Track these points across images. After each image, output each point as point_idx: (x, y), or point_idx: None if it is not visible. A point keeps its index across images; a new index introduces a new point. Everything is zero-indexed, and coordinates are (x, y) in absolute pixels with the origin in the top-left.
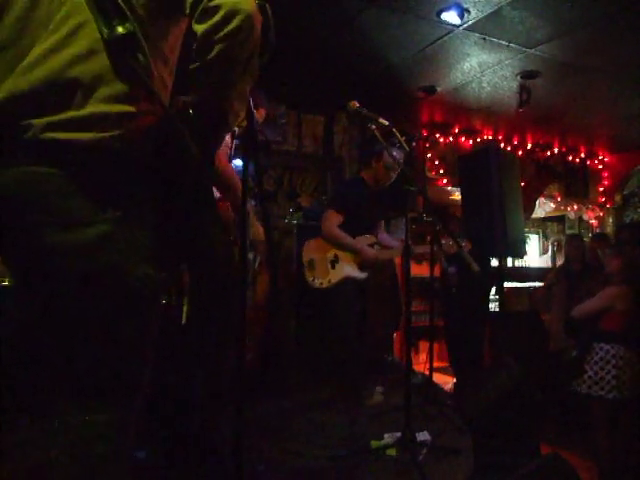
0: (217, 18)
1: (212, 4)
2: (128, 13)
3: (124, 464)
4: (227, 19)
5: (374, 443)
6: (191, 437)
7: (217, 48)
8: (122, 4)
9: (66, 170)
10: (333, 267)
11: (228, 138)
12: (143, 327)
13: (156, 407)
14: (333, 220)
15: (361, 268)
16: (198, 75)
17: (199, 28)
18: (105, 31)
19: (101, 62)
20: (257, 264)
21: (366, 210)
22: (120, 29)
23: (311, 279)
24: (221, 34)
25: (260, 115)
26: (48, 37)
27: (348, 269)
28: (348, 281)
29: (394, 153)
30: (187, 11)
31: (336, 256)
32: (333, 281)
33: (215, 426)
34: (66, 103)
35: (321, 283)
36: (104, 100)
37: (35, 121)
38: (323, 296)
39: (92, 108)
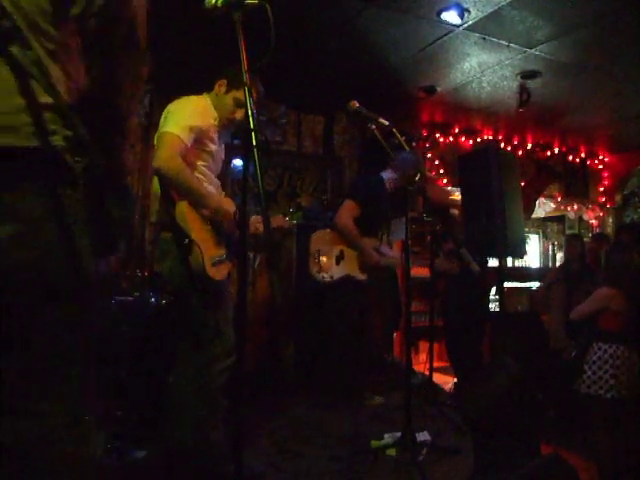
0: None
1: None
2: (11, 9)
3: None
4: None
5: (374, 443)
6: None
7: (89, 28)
8: (3, 1)
9: None
10: (337, 263)
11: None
12: (69, 323)
13: (156, 407)
14: (351, 212)
15: (362, 270)
16: (82, 59)
17: (74, 12)
18: None
19: None
20: (257, 263)
21: (380, 212)
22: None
23: (315, 270)
24: (90, 11)
25: (240, 92)
26: None
27: (350, 268)
28: (349, 279)
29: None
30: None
31: (342, 252)
32: (335, 277)
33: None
34: None
35: (323, 277)
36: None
37: None
38: (323, 290)
39: None
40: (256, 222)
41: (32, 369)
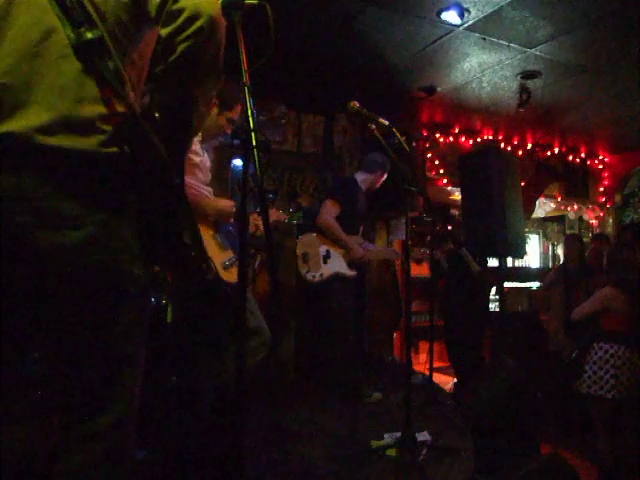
0: (180, 20)
1: (175, 7)
2: (97, 20)
3: (125, 464)
4: (190, 21)
5: (374, 443)
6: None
7: (180, 49)
8: (91, 11)
9: (55, 175)
10: (325, 262)
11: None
12: (135, 325)
13: (158, 407)
14: (331, 210)
15: (350, 266)
16: (162, 77)
17: (164, 31)
18: (72, 37)
19: (71, 66)
20: (257, 263)
21: (357, 210)
22: (89, 35)
23: (305, 271)
24: (184, 35)
25: (236, 112)
26: (16, 39)
27: (338, 265)
28: (338, 277)
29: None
30: (152, 15)
31: (328, 252)
32: (325, 276)
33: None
34: (42, 106)
35: (313, 276)
36: (78, 102)
37: (18, 125)
38: (315, 290)
39: (67, 111)
40: (255, 220)
41: (98, 370)
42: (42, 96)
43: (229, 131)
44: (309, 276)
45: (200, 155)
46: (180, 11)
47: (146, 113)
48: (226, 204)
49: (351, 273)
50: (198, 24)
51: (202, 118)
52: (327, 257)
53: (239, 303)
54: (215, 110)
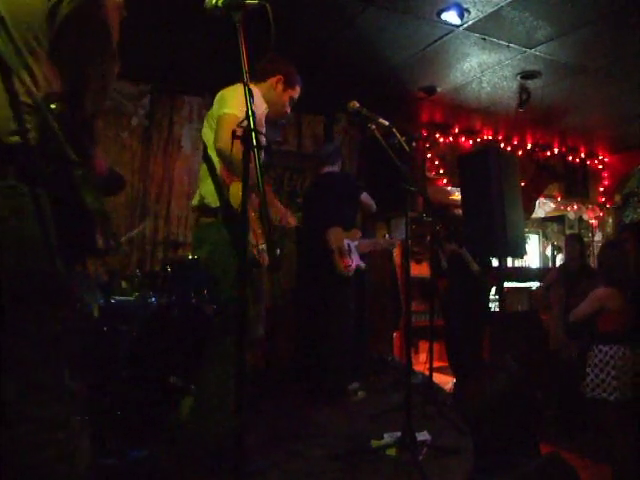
0: None
1: None
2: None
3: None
4: None
5: (374, 443)
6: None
7: (64, 11)
8: None
9: None
10: (349, 256)
11: None
12: (44, 329)
13: (156, 407)
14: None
15: (362, 258)
16: (51, 50)
17: (50, 2)
18: None
19: None
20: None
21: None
22: None
23: (343, 266)
24: (64, 2)
25: (296, 91)
26: None
27: (357, 258)
28: (358, 269)
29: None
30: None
31: (349, 245)
32: (352, 269)
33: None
34: None
35: (348, 272)
36: None
37: None
38: (341, 284)
39: None
40: (287, 215)
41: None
42: None
43: (289, 110)
44: (345, 273)
45: (264, 132)
46: None
47: (44, 101)
48: (281, 209)
49: (363, 265)
50: None
51: (96, 100)
52: (350, 250)
53: (239, 303)
54: (280, 87)
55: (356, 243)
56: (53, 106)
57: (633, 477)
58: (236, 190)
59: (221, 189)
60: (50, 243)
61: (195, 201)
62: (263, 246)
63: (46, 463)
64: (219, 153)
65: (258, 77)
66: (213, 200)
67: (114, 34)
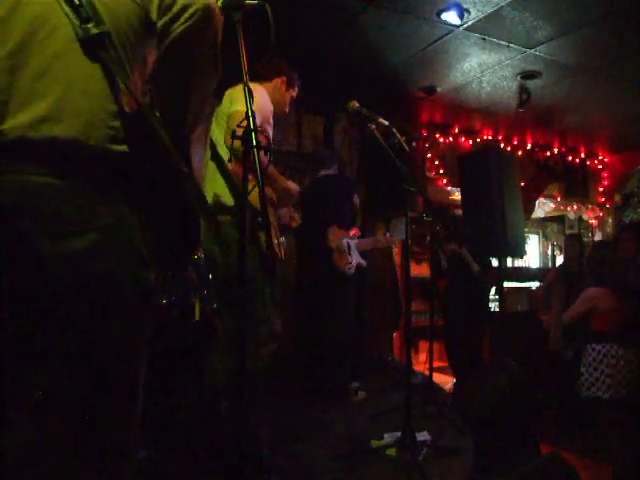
0: (175, 8)
1: (169, 0)
2: (105, 19)
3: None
4: (184, 8)
5: (374, 443)
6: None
7: (175, 32)
8: (100, 10)
9: (57, 173)
10: (349, 254)
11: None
12: (139, 331)
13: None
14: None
15: (362, 255)
16: (158, 68)
17: (160, 23)
18: (80, 32)
19: (77, 59)
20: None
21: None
22: (95, 30)
23: (343, 264)
24: (178, 22)
25: (295, 92)
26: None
27: (357, 256)
28: (358, 269)
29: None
30: (154, 16)
31: (348, 243)
32: (353, 267)
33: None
34: (45, 98)
35: (350, 269)
36: (84, 95)
37: (20, 120)
38: (341, 283)
39: (74, 104)
40: (290, 213)
41: (95, 387)
42: (47, 89)
43: (287, 109)
44: (348, 270)
45: (271, 130)
46: (174, 2)
47: (149, 110)
48: (293, 186)
49: (363, 262)
50: (192, 10)
51: (197, 116)
52: (349, 249)
53: (240, 303)
54: (283, 87)
55: (355, 242)
56: (158, 114)
57: (632, 475)
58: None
59: (235, 187)
60: (144, 253)
61: (209, 200)
62: (282, 239)
63: (45, 464)
64: (234, 152)
65: (264, 77)
66: (228, 199)
67: (219, 52)
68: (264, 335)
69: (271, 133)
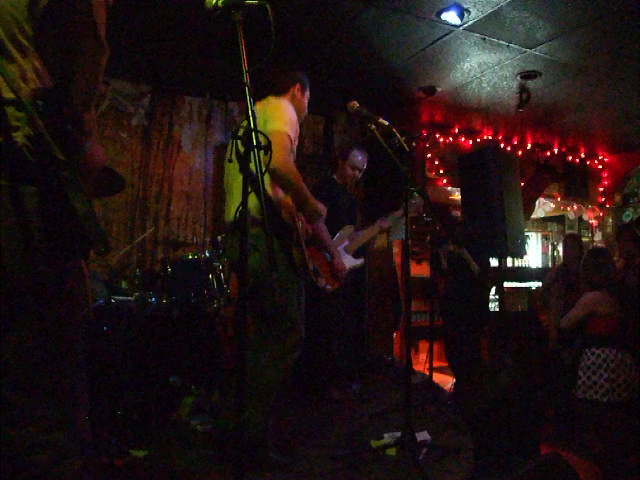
0: None
1: None
2: None
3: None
4: None
5: (374, 443)
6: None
7: (44, 1)
8: None
9: None
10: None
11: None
12: (31, 331)
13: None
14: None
15: (355, 255)
16: (36, 40)
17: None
18: None
19: None
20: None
21: (340, 207)
22: None
23: (322, 285)
24: None
25: (307, 97)
26: None
27: (349, 260)
28: (353, 270)
29: (359, 157)
30: None
31: (332, 255)
32: (348, 269)
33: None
34: None
35: (328, 289)
36: None
37: None
38: (324, 298)
39: None
40: (306, 226)
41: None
42: None
43: (307, 111)
44: (326, 288)
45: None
46: None
47: (30, 97)
48: (321, 207)
49: (361, 261)
50: None
51: (86, 93)
52: (346, 251)
53: (240, 303)
54: (299, 94)
55: (346, 244)
56: (40, 102)
57: (619, 476)
58: (287, 205)
59: (269, 203)
60: (29, 240)
61: (232, 216)
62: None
63: (44, 464)
64: (273, 173)
65: (282, 89)
66: (259, 214)
67: (100, 23)
68: (292, 342)
69: (296, 144)
